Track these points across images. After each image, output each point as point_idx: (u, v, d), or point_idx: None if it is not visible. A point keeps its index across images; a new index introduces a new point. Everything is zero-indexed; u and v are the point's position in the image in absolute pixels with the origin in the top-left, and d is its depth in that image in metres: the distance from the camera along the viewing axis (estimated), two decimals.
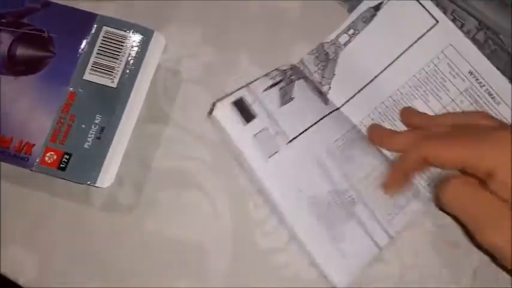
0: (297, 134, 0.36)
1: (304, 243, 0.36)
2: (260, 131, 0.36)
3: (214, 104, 0.36)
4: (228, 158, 0.38)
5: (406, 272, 0.37)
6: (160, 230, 0.37)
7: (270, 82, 0.37)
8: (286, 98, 0.37)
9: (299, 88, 0.38)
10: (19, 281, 0.37)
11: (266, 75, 0.37)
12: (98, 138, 0.35)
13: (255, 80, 0.37)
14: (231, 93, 0.36)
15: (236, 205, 0.38)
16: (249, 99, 0.36)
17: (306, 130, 0.37)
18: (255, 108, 0.36)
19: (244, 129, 0.36)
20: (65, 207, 0.38)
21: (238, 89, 0.37)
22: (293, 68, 0.39)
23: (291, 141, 0.36)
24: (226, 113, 0.36)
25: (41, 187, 0.38)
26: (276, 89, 0.37)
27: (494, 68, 0.38)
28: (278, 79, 0.37)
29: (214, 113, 0.36)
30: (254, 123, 0.36)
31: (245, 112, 0.36)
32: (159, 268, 0.37)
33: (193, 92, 0.39)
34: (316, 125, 0.37)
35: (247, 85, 0.37)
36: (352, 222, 0.36)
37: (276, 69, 0.38)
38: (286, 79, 0.38)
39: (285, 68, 0.38)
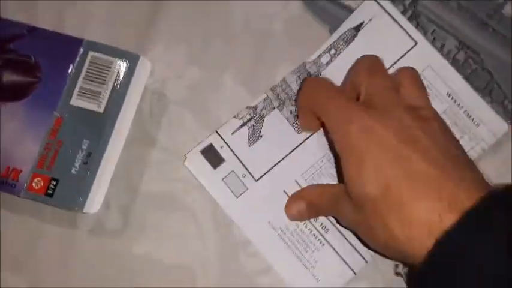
0: (264, 172, 0.38)
1: (279, 272, 0.37)
2: (228, 174, 0.38)
3: (185, 156, 0.38)
4: None
5: (391, 284, 0.37)
6: (149, 253, 0.38)
7: (239, 123, 0.39)
8: (254, 137, 0.39)
9: (270, 122, 0.39)
10: None
11: (235, 116, 0.39)
12: (85, 163, 0.35)
13: (223, 125, 0.39)
14: (201, 142, 0.38)
15: (221, 227, 0.38)
16: (217, 145, 0.38)
17: (274, 166, 0.38)
18: (223, 152, 0.38)
19: (213, 174, 0.38)
20: (53, 232, 0.38)
21: (208, 136, 0.39)
22: (266, 98, 0.39)
23: (259, 178, 0.38)
24: (195, 162, 0.38)
25: (27, 212, 0.38)
26: (244, 129, 0.39)
27: (472, 90, 0.39)
28: (247, 118, 0.39)
29: (186, 163, 0.38)
30: (222, 167, 0.38)
31: (213, 158, 0.38)
32: None
33: (179, 113, 0.40)
34: (285, 159, 0.38)
35: (215, 131, 0.39)
36: (324, 249, 0.37)
37: (247, 107, 0.39)
38: (256, 116, 0.39)
39: (255, 103, 0.39)
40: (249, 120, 0.39)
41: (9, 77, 0.36)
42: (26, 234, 0.38)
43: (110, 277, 0.37)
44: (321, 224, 0.37)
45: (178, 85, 0.40)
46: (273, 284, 0.37)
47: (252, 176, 0.38)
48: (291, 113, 0.39)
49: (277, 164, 0.38)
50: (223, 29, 0.41)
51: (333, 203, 0.34)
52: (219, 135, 0.39)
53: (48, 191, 0.35)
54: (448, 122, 0.37)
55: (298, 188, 0.38)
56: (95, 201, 0.35)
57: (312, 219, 0.37)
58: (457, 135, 0.33)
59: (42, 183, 0.35)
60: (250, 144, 0.38)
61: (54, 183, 0.35)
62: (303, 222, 0.38)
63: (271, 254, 0.37)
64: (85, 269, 0.38)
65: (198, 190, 0.39)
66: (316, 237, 0.37)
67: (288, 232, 0.37)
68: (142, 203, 0.38)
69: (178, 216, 0.38)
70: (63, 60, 0.37)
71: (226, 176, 0.38)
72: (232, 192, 0.38)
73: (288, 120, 0.39)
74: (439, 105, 0.38)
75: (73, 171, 0.35)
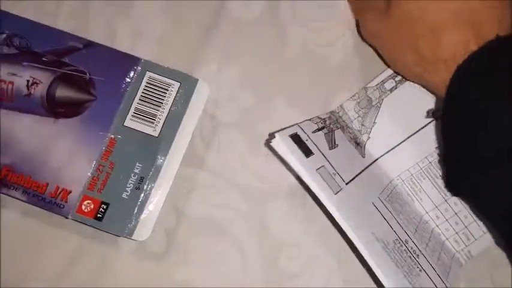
0: (351, 177, 0.35)
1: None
2: (320, 167, 0.33)
3: (271, 135, 0.34)
4: (262, 208, 0.38)
5: None
6: (190, 280, 0.37)
7: (315, 127, 0.36)
8: (332, 143, 0.36)
9: (339, 136, 0.37)
10: None
11: (309, 119, 0.36)
12: (137, 188, 0.34)
13: (303, 121, 0.36)
14: (284, 128, 0.34)
15: (268, 257, 0.37)
16: (302, 136, 0.34)
17: (355, 177, 0.36)
18: (310, 145, 0.34)
19: (306, 162, 0.32)
20: (94, 250, 0.37)
21: (289, 126, 0.35)
22: (330, 117, 0.38)
23: (349, 182, 0.34)
24: (286, 145, 0.32)
25: (70, 227, 0.37)
26: (321, 133, 0.36)
27: None
28: (321, 125, 0.36)
29: (273, 143, 0.32)
30: (313, 159, 0.33)
31: (303, 147, 0.33)
32: None
33: (230, 137, 0.39)
34: (360, 175, 0.36)
35: (296, 124, 0.35)
36: (423, 275, 0.34)
37: (317, 117, 0.37)
38: (327, 126, 0.37)
39: (324, 116, 0.37)
40: (322, 128, 0.36)
41: (64, 92, 0.35)
42: (67, 250, 0.37)
43: None
44: (411, 247, 0.34)
45: (231, 107, 0.39)
46: None
47: (341, 177, 0.34)
48: (351, 138, 0.38)
49: (357, 176, 0.36)
50: (278, 53, 0.40)
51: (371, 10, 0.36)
52: (302, 128, 0.34)
53: (98, 215, 0.34)
54: None
55: (384, 207, 0.36)
56: (145, 229, 0.34)
57: (403, 242, 0.34)
58: None
59: (92, 206, 0.34)
60: (330, 148, 0.35)
61: (105, 207, 0.34)
62: (396, 238, 0.33)
63: (380, 266, 0.31)
64: None
65: (245, 218, 0.37)
66: (412, 260, 0.34)
67: (390, 247, 0.33)
68: (188, 227, 0.37)
69: (224, 244, 0.37)
70: (118, 79, 0.36)
71: (319, 168, 0.33)
72: (329, 186, 0.32)
73: (351, 143, 0.37)
74: None
75: (124, 195, 0.34)
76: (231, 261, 0.37)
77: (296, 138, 0.33)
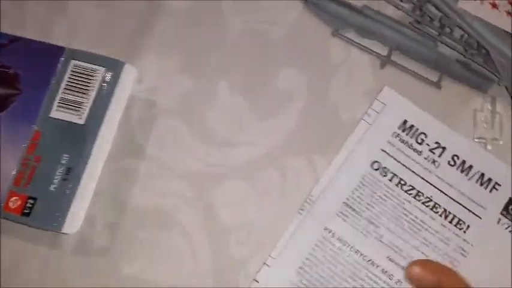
0: None
1: None
2: None
3: None
4: (207, 193, 0.36)
5: None
6: (137, 273, 0.35)
7: None
8: None
9: None
10: None
11: None
12: (65, 179, 0.33)
13: None
14: None
15: (217, 244, 0.35)
16: None
17: None
18: None
19: None
20: (35, 253, 0.35)
21: None
22: None
23: None
24: None
25: (8, 231, 0.35)
26: None
27: None
28: None
29: None
30: None
31: None
32: None
33: (171, 123, 0.37)
34: None
35: None
36: None
37: None
38: None
39: None
40: None
41: None
42: (7, 256, 0.35)
43: None
44: None
45: (170, 94, 0.38)
46: None
47: None
48: None
49: None
50: (218, 35, 0.39)
51: None
52: None
53: (25, 211, 0.32)
54: None
55: None
56: (74, 221, 0.32)
57: None
58: None
59: (19, 202, 0.32)
60: None
61: (32, 202, 0.32)
62: None
63: None
64: None
65: (190, 205, 0.36)
66: None
67: None
68: (131, 219, 0.36)
69: (170, 234, 0.36)
70: (44, 70, 0.35)
71: None
72: None
73: None
74: None
75: (52, 188, 0.33)
76: (178, 251, 0.35)
77: None
